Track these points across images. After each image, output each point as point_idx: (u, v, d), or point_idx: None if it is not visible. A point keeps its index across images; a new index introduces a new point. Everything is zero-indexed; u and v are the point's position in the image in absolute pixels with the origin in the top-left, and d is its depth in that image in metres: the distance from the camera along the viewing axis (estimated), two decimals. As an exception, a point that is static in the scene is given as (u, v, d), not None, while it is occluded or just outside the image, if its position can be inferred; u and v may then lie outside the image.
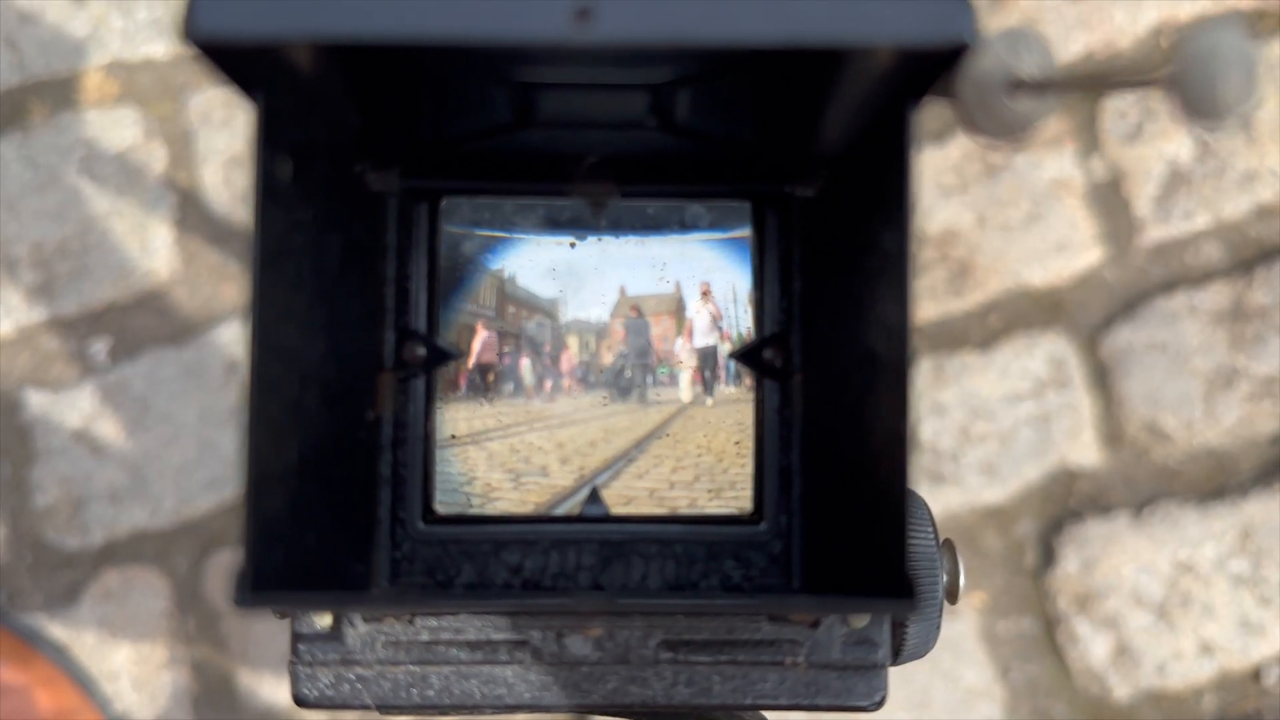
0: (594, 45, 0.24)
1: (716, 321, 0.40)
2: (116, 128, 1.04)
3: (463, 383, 0.40)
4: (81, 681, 0.96)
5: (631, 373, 0.40)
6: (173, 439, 1.01)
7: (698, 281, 0.41)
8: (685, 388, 0.41)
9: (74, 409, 1.01)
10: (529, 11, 0.24)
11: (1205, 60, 0.21)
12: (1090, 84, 0.24)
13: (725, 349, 0.41)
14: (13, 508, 0.99)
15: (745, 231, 0.40)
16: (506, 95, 0.33)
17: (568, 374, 0.41)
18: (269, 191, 0.26)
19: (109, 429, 1.01)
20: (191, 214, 1.03)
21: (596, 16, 0.24)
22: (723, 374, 0.41)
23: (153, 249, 1.03)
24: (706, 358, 0.41)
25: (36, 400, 1.01)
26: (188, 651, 0.99)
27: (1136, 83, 0.21)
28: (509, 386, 0.40)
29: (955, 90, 0.26)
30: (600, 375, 0.41)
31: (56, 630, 0.98)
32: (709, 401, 0.41)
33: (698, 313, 0.40)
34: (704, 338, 0.41)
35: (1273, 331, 1.02)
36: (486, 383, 0.39)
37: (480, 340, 0.39)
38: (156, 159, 1.04)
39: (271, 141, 0.26)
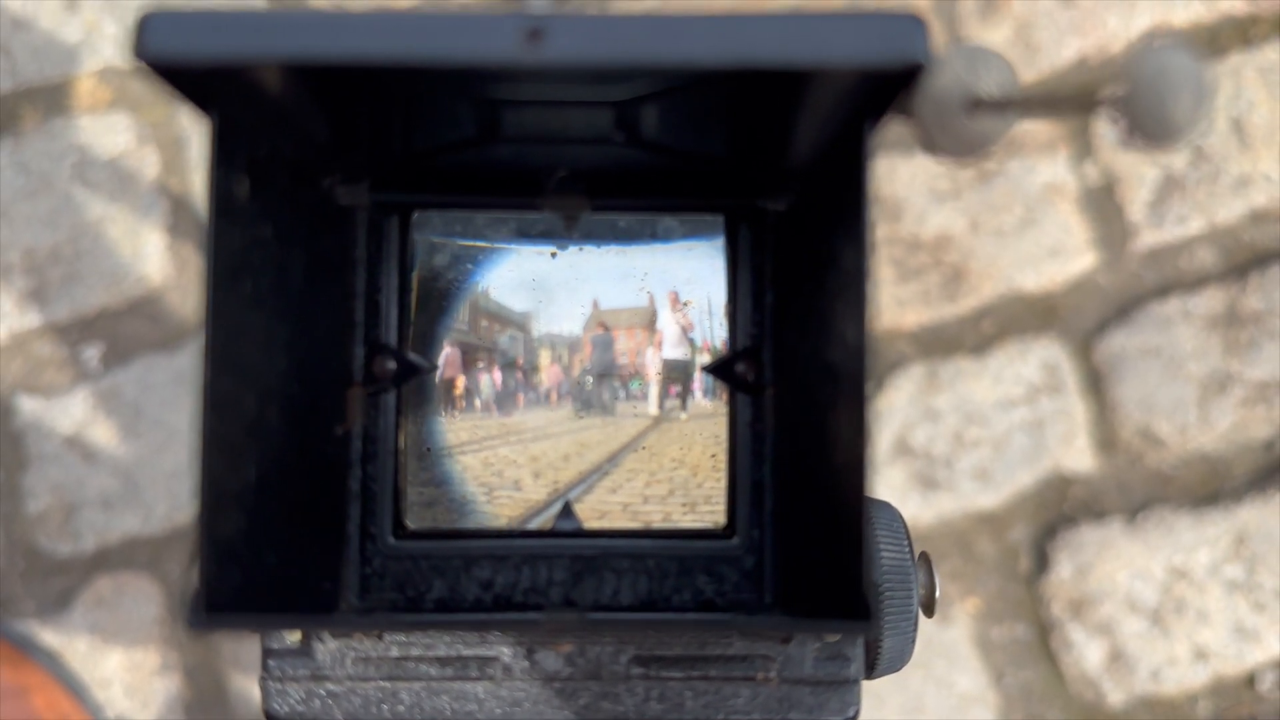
0: (545, 66, 0.24)
1: (688, 333, 0.40)
2: (109, 134, 1.04)
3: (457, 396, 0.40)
4: (74, 688, 0.96)
5: (594, 387, 0.40)
6: (165, 445, 1.01)
7: (671, 292, 0.41)
8: (654, 401, 0.40)
9: (66, 415, 1.01)
10: (481, 33, 0.24)
11: (1155, 81, 0.21)
12: (1042, 106, 0.24)
13: (701, 360, 0.40)
14: (5, 514, 0.99)
15: (718, 241, 0.40)
16: (472, 111, 0.33)
17: (550, 387, 0.41)
18: (223, 209, 0.26)
19: (101, 435, 1.01)
20: (184, 220, 1.03)
21: (547, 37, 0.24)
22: (699, 387, 0.41)
23: (145, 255, 1.03)
24: (677, 370, 0.40)
25: (29, 406, 1.01)
26: (180, 658, 0.99)
27: (1087, 104, 0.21)
28: (479, 400, 0.40)
29: (914, 109, 0.26)
30: (566, 389, 0.41)
31: (49, 637, 0.98)
32: (683, 415, 0.41)
33: (668, 324, 0.40)
34: (674, 349, 0.40)
35: (1267, 336, 1.02)
36: (453, 398, 0.39)
37: (443, 357, 0.39)
38: (149, 165, 1.04)
39: (226, 159, 0.26)
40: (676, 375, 0.40)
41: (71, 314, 1.02)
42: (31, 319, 1.03)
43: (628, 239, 0.40)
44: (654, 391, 0.41)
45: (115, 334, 1.02)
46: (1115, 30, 1.01)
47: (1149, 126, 0.21)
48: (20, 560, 0.99)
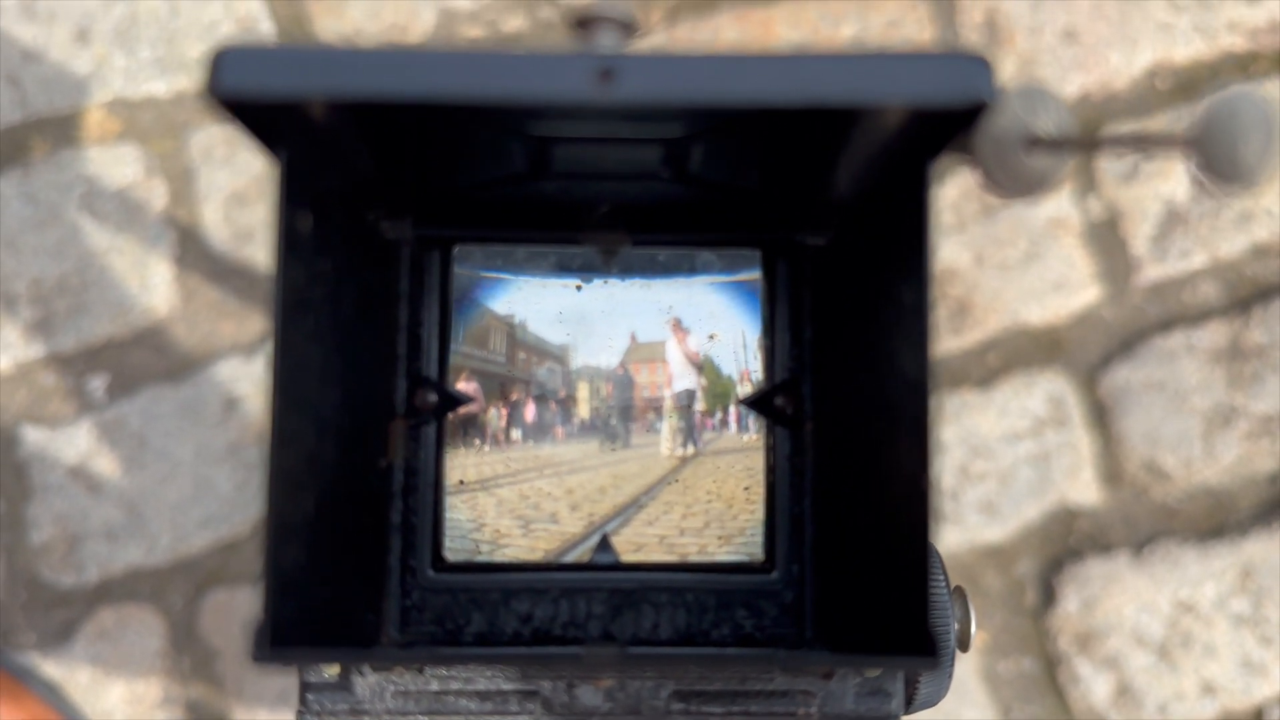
0: (616, 105, 0.24)
1: (693, 361, 0.40)
2: (117, 165, 1.04)
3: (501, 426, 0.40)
4: (75, 722, 0.96)
5: (617, 423, 0.40)
6: (169, 476, 1.01)
7: (705, 326, 0.41)
8: (666, 437, 0.40)
9: (71, 445, 1.00)
10: (554, 72, 0.24)
11: (1226, 123, 0.21)
12: (1107, 144, 0.24)
13: (743, 391, 0.40)
14: (7, 545, 0.98)
15: (755, 274, 0.40)
16: (522, 148, 0.33)
17: (584, 421, 0.41)
18: (291, 245, 0.26)
19: (105, 466, 1.01)
20: (191, 250, 1.03)
21: (618, 77, 0.24)
22: (734, 419, 0.41)
23: (152, 285, 1.03)
24: (682, 400, 0.40)
25: (33, 436, 1.00)
26: (183, 691, 0.98)
27: (1159, 143, 0.22)
28: (518, 432, 0.40)
29: (973, 147, 0.27)
30: (589, 424, 0.41)
31: (50, 669, 0.97)
32: (690, 449, 0.41)
33: (673, 354, 0.40)
34: (681, 380, 0.40)
35: (1270, 370, 1.03)
36: (489, 431, 0.39)
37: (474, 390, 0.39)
38: (157, 196, 1.04)
39: (294, 196, 0.26)
40: (680, 406, 0.40)
41: (77, 344, 1.02)
42: (37, 349, 1.02)
43: (665, 273, 0.40)
44: (665, 428, 0.41)
45: (121, 365, 1.02)
46: (1118, 66, 1.03)
47: (1221, 166, 0.21)
48: (22, 591, 0.99)
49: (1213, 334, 1.02)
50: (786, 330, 0.39)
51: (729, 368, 0.41)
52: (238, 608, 1.01)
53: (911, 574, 0.26)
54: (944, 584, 0.41)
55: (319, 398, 0.29)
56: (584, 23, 0.26)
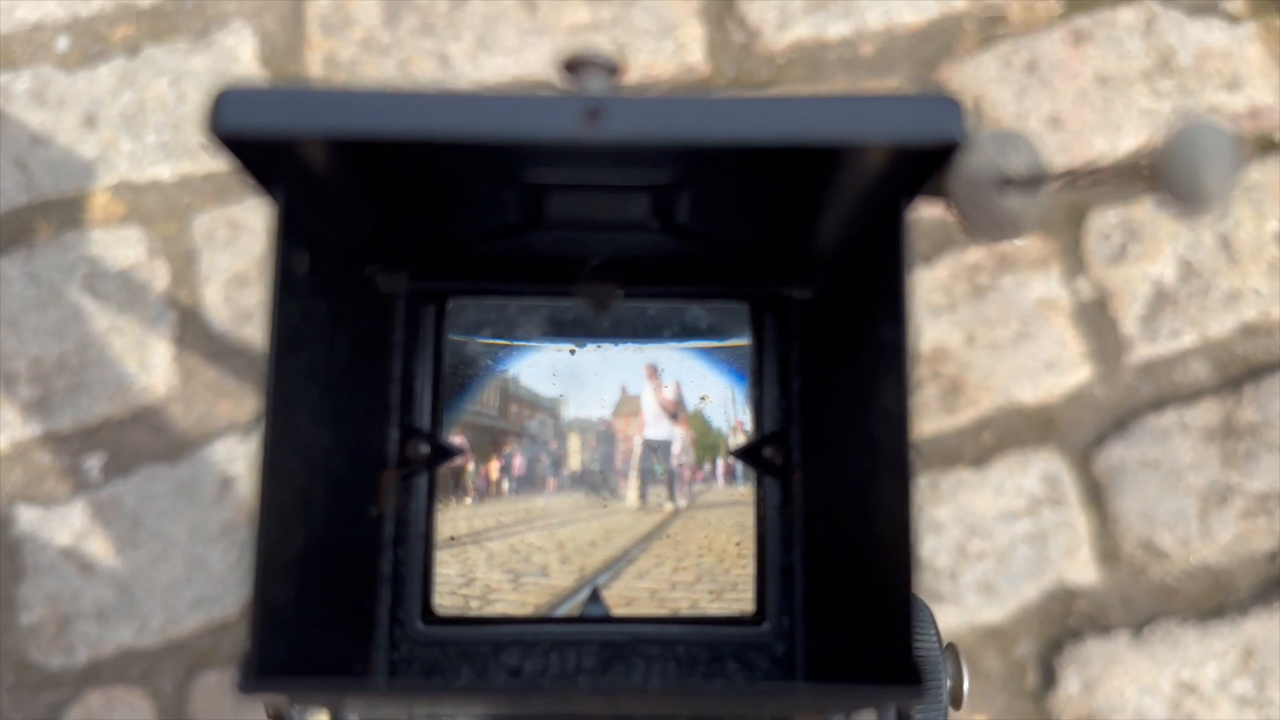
0: (603, 143, 0.25)
1: (668, 410, 0.40)
2: (120, 246, 1.06)
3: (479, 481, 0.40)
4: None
5: (599, 478, 0.40)
6: (162, 556, 1.00)
7: (696, 385, 0.42)
8: (633, 486, 0.40)
9: (64, 525, 1.00)
10: (544, 112, 0.25)
11: (1188, 149, 0.22)
12: (1077, 178, 0.25)
13: (680, 435, 0.40)
14: (-3, 626, 0.98)
15: (744, 340, 0.41)
16: (515, 197, 0.34)
17: (568, 474, 0.41)
18: (285, 284, 0.27)
19: (99, 546, 1.00)
20: (191, 331, 1.05)
21: (605, 116, 0.25)
22: (722, 472, 0.41)
23: (151, 365, 1.04)
24: (657, 450, 0.40)
25: (27, 516, 1.00)
26: (169, 777, 0.96)
27: (1122, 172, 0.23)
28: (509, 484, 0.41)
29: (948, 188, 0.28)
30: (579, 477, 0.41)
31: (35, 754, 0.95)
32: (667, 507, 0.41)
33: (647, 401, 0.40)
34: (654, 428, 0.40)
35: (1265, 448, 1.03)
36: (459, 485, 0.40)
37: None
38: (159, 277, 1.06)
39: (290, 235, 0.27)
40: (656, 454, 0.40)
41: (74, 423, 1.02)
42: (34, 428, 1.03)
43: (655, 329, 0.41)
44: (633, 482, 0.41)
45: (117, 444, 1.02)
46: (1102, 150, 1.05)
47: (1184, 192, 0.22)
48: (9, 674, 0.97)
49: (1205, 413, 1.03)
50: (775, 382, 0.40)
51: (719, 421, 0.42)
52: (229, 691, 0.99)
53: (896, 605, 0.26)
54: (935, 639, 0.40)
55: (311, 438, 0.30)
56: (572, 66, 0.27)
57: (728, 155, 0.28)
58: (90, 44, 1.08)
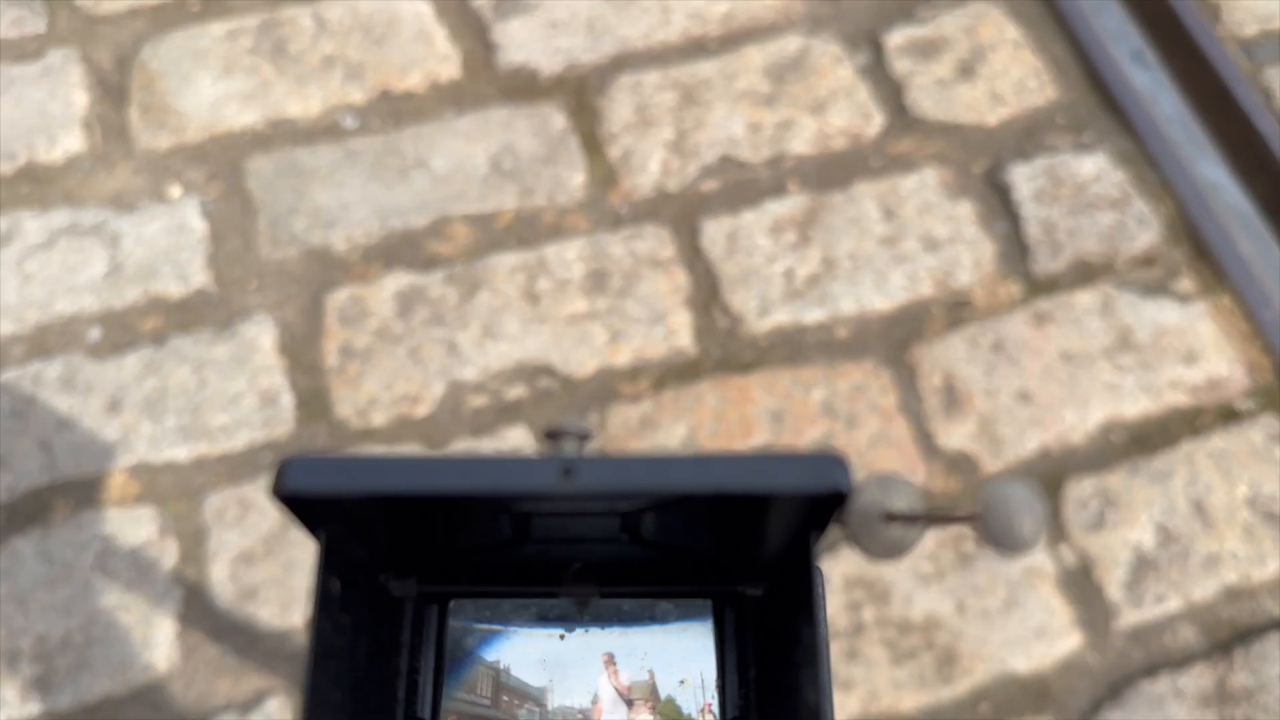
0: (575, 494, 0.35)
1: (624, 695, 0.47)
2: (134, 525, 1.15)
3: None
4: None
5: None
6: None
7: (673, 670, 0.50)
8: None
9: (59, 809, 1.04)
10: (530, 471, 0.35)
11: (1001, 504, 0.32)
12: (931, 520, 0.34)
13: None
14: None
15: (709, 620, 0.49)
16: (508, 520, 0.44)
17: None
18: (323, 605, 0.36)
19: (92, 830, 1.04)
20: (195, 607, 1.12)
21: (577, 474, 0.35)
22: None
23: (154, 642, 1.11)
24: None
25: (23, 800, 1.05)
26: None
27: (957, 520, 0.32)
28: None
29: (845, 521, 0.37)
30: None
31: None
32: None
33: (603, 687, 0.47)
34: (612, 712, 0.47)
35: (1261, 713, 1.08)
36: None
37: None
38: (168, 554, 1.14)
39: (329, 566, 0.37)
40: None
41: (74, 702, 1.08)
42: (32, 708, 1.09)
43: (631, 621, 0.50)
44: None
45: (116, 723, 1.08)
46: (1072, 423, 1.16)
47: (1001, 538, 0.31)
48: None
49: (1198, 678, 1.09)
50: (735, 670, 0.48)
51: (689, 706, 0.50)
52: None
53: None
54: None
55: (337, 730, 0.38)
56: (552, 435, 0.37)
57: (671, 496, 0.38)
58: (120, 334, 1.21)
